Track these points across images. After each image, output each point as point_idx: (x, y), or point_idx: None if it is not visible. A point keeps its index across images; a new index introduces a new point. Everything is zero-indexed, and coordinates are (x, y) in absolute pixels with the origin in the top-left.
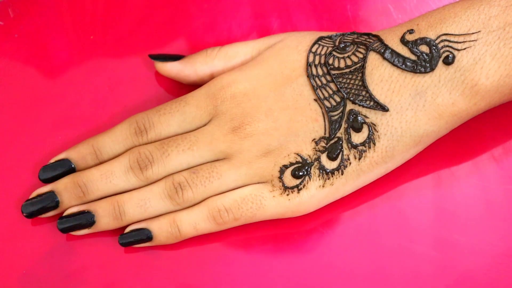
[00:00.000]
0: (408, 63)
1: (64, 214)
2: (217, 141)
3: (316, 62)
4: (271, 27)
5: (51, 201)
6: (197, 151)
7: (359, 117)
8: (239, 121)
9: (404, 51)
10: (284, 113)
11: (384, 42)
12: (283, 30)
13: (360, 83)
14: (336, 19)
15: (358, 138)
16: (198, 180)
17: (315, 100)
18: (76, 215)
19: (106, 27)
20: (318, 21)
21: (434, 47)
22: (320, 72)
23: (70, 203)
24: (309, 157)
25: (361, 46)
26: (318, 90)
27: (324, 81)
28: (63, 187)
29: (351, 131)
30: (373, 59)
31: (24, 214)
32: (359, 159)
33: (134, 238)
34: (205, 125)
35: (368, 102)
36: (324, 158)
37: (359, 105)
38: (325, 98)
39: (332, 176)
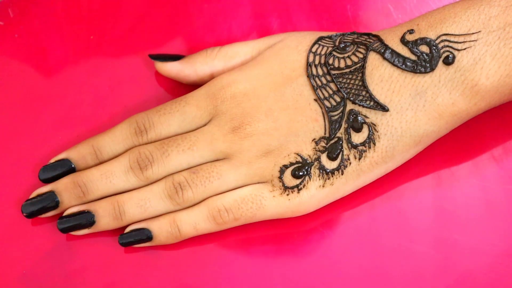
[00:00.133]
0: (408, 63)
1: (64, 214)
2: (217, 141)
3: (316, 62)
4: (271, 27)
5: (51, 201)
6: (197, 151)
7: (359, 117)
8: (239, 121)
9: (404, 51)
10: (284, 113)
11: (384, 42)
12: (283, 30)
13: (360, 83)
14: (336, 19)
15: (358, 138)
16: (198, 180)
17: (315, 100)
18: (76, 215)
19: (106, 27)
20: (318, 21)
21: (434, 47)
22: (320, 72)
23: (70, 203)
24: (309, 157)
25: (361, 46)
26: (318, 90)
27: (324, 81)
28: (63, 187)
29: (351, 131)
30: (373, 59)
31: (24, 214)
32: (359, 159)
33: (134, 238)
34: (205, 125)
35: (368, 102)
36: (324, 158)
37: (359, 105)
38: (325, 98)
39: (332, 176)
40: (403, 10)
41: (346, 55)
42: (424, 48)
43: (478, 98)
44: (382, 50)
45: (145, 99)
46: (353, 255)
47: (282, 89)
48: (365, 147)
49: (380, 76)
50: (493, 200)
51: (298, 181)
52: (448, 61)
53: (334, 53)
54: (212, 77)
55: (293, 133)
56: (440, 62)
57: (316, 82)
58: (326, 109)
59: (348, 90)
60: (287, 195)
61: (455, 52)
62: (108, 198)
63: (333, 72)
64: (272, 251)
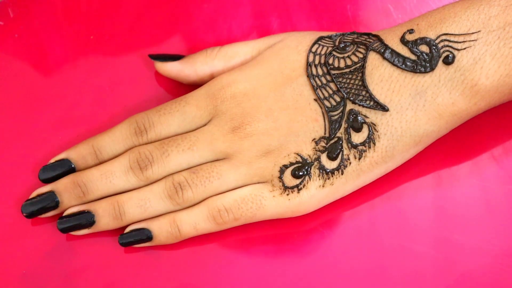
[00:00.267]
0: (408, 63)
1: (64, 214)
2: (217, 141)
3: (316, 62)
4: (271, 27)
5: (51, 201)
6: (197, 151)
7: (359, 117)
8: (239, 121)
9: (404, 51)
10: (284, 113)
11: (384, 42)
12: (283, 30)
13: (360, 83)
14: (336, 19)
15: (358, 138)
16: (198, 180)
17: (315, 100)
18: (76, 215)
19: (106, 27)
20: (318, 21)
21: (434, 47)
22: (320, 72)
23: (70, 203)
24: (309, 157)
25: (361, 46)
26: (318, 90)
27: (324, 81)
28: (63, 187)
29: (351, 131)
30: (373, 59)
31: (24, 214)
32: (359, 159)
33: (134, 238)
34: (205, 125)
35: (368, 102)
36: (324, 158)
37: (359, 105)
38: (325, 98)
39: (332, 176)
40: (403, 10)
41: (346, 55)
42: (424, 48)
43: (478, 97)
44: (382, 50)
45: (145, 99)
46: (353, 255)
47: (282, 89)
48: (365, 147)
49: (380, 76)
50: (493, 200)
51: (298, 181)
52: (448, 61)
53: (334, 53)
54: (212, 77)
55: (293, 133)
56: (440, 62)
57: (316, 82)
58: (326, 109)
59: (348, 90)
60: (287, 195)
61: (455, 52)
62: (108, 198)
63: (333, 72)
64: (272, 251)
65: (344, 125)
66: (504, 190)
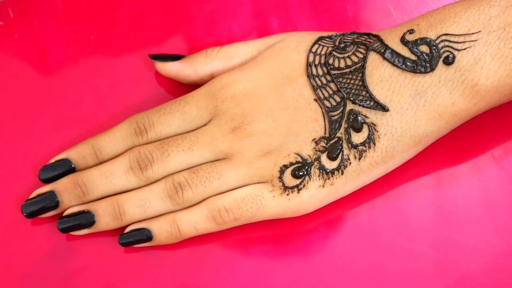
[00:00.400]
0: (408, 63)
1: (64, 214)
2: (217, 141)
3: (316, 62)
4: (271, 27)
5: (51, 201)
6: (197, 151)
7: (359, 117)
8: (239, 121)
9: (404, 51)
10: (284, 113)
11: (384, 42)
12: (283, 30)
13: (360, 83)
14: (336, 19)
15: (358, 138)
16: (198, 180)
17: (315, 100)
18: (76, 215)
19: (106, 27)
20: (318, 21)
21: (434, 47)
22: (320, 72)
23: (70, 203)
24: (309, 157)
25: (361, 46)
26: (318, 90)
27: (324, 81)
28: (63, 187)
29: (351, 131)
30: (373, 59)
31: (24, 214)
32: (359, 159)
33: (134, 238)
34: (205, 125)
35: (368, 102)
36: (324, 158)
37: (359, 105)
38: (325, 98)
39: (332, 176)
40: (403, 10)
41: (346, 55)
42: (424, 48)
43: (478, 98)
44: (382, 50)
45: (145, 99)
46: (353, 255)
47: (282, 89)
48: (365, 147)
49: (380, 76)
50: (493, 200)
51: (298, 181)
52: (448, 61)
53: (334, 53)
54: (212, 77)
55: (293, 133)
56: (440, 62)
57: (316, 82)
58: (326, 109)
59: (348, 90)
60: (287, 195)
61: (455, 52)
62: (108, 198)
63: (333, 72)
64: (272, 251)
65: (344, 125)
66: (504, 190)
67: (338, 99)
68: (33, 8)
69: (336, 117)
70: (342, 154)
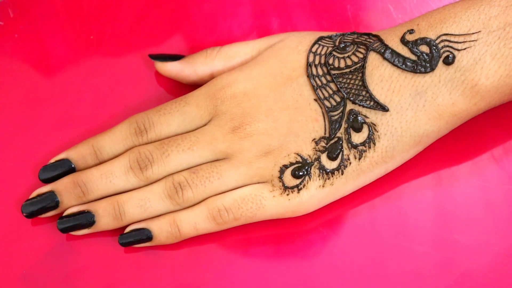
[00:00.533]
0: (408, 63)
1: (64, 214)
2: (217, 141)
3: (316, 62)
4: (271, 27)
5: (51, 201)
6: (197, 151)
7: (359, 117)
8: (239, 121)
9: (404, 51)
10: (284, 113)
11: (384, 42)
12: (283, 30)
13: (360, 83)
14: (336, 19)
15: (358, 138)
16: (198, 180)
17: (315, 100)
18: (76, 215)
19: (106, 27)
20: (318, 21)
21: (434, 47)
22: (320, 72)
23: (70, 203)
24: (309, 157)
25: (361, 46)
26: (318, 90)
27: (324, 81)
28: (63, 187)
29: (351, 131)
30: (373, 59)
31: (24, 214)
32: (359, 159)
33: (134, 238)
34: (205, 125)
35: (368, 102)
36: (324, 158)
37: (359, 105)
38: (325, 98)
39: (332, 176)
40: (403, 10)
41: (346, 55)
42: (424, 48)
43: (478, 98)
44: (382, 50)
45: (145, 99)
46: (353, 255)
47: (282, 89)
48: (365, 147)
49: (380, 76)
50: (493, 200)
51: (298, 181)
52: (448, 61)
53: (334, 53)
54: (212, 77)
55: (293, 133)
56: (440, 62)
57: (316, 82)
58: (326, 109)
59: (348, 90)
60: (287, 195)
61: (455, 52)
62: (108, 198)
63: (333, 72)
64: (272, 251)
65: (344, 125)
66: (504, 190)
67: (338, 99)
68: (33, 8)
69: (336, 117)
70: (342, 154)
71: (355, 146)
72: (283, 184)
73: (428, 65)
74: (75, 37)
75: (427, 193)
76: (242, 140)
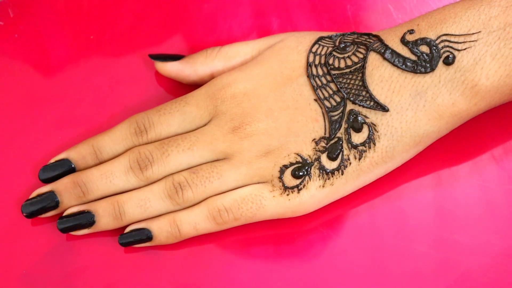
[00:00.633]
0: (408, 63)
1: (64, 214)
2: (217, 141)
3: (316, 62)
4: (271, 27)
5: (51, 201)
6: (197, 151)
7: (359, 117)
8: (239, 121)
9: (404, 51)
10: (284, 113)
11: (385, 42)
12: (283, 30)
13: (360, 83)
14: (336, 19)
15: (358, 138)
16: (198, 180)
17: (315, 100)
18: (76, 215)
19: (106, 27)
20: (318, 21)
21: (434, 47)
22: (320, 72)
23: (70, 203)
24: (309, 157)
25: (361, 46)
26: (318, 90)
27: (324, 81)
28: (63, 187)
29: (351, 131)
30: (373, 59)
31: (24, 214)
32: (359, 159)
33: (134, 238)
34: (205, 125)
35: (368, 102)
36: (324, 158)
37: (359, 105)
38: (325, 98)
39: (332, 176)
40: (403, 10)
41: (346, 55)
42: (424, 48)
43: (478, 98)
44: (382, 50)
45: (145, 99)
46: (353, 255)
47: (282, 89)
48: (365, 147)
49: (380, 76)
50: (493, 200)
51: (298, 181)
52: (448, 61)
53: (334, 53)
54: (212, 77)
55: (293, 133)
56: (440, 62)
57: (316, 82)
58: (326, 109)
59: (348, 90)
60: (287, 195)
61: (455, 52)
62: (108, 198)
63: (333, 72)
64: (272, 251)
65: (344, 125)
66: (504, 190)
67: (338, 99)
68: (33, 8)
69: (336, 117)
70: (342, 154)
71: (355, 146)
72: (283, 184)
73: (428, 65)
74: (75, 37)
75: (427, 193)
76: (242, 140)
